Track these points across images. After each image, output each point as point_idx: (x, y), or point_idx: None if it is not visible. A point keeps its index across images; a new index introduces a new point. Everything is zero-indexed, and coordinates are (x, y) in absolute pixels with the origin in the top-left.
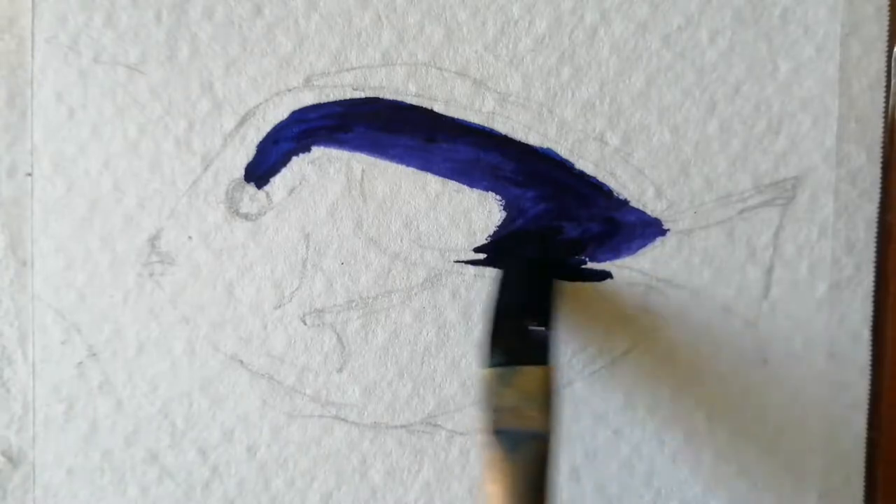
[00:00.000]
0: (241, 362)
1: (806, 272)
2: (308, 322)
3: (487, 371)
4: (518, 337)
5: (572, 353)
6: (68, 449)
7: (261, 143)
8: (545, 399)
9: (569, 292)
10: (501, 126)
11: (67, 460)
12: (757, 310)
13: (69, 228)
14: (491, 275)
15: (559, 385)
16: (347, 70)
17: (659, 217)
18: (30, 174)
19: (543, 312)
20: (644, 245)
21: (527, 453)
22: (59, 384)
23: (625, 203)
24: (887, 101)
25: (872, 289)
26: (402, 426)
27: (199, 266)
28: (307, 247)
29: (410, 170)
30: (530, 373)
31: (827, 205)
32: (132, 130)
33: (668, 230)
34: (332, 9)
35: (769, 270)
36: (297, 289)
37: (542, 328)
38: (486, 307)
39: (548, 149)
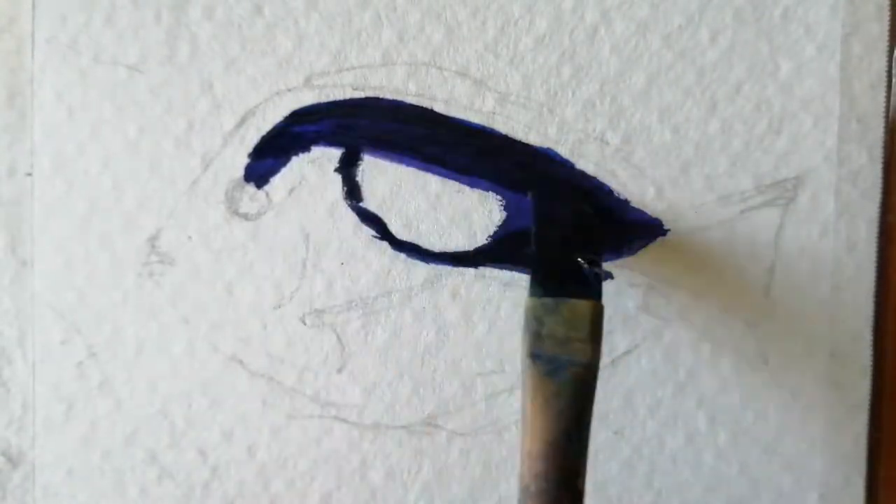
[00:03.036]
0: (241, 362)
1: (807, 272)
2: (308, 322)
3: (534, 300)
4: (569, 271)
5: None
6: (68, 449)
7: (260, 142)
8: (592, 330)
9: None
10: (502, 126)
11: (67, 460)
12: (758, 310)
13: (69, 228)
14: (491, 275)
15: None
16: (347, 70)
17: (659, 217)
18: (29, 174)
19: (593, 250)
20: (644, 245)
21: (568, 378)
22: (58, 384)
23: (625, 203)
24: (888, 101)
25: (873, 289)
26: (402, 427)
27: (198, 266)
28: (307, 247)
29: (410, 170)
30: (579, 305)
31: (828, 205)
32: (132, 130)
33: (669, 230)
34: (332, 8)
35: (770, 270)
36: (296, 289)
37: (594, 266)
38: (535, 235)
39: (548, 149)
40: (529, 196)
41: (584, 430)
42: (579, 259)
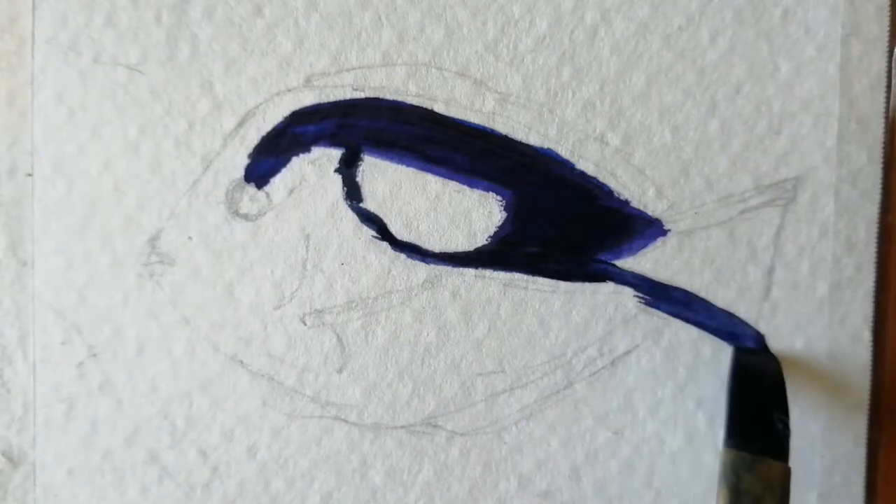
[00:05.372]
0: (242, 363)
1: (807, 272)
2: (308, 322)
3: (732, 452)
4: (765, 428)
5: (572, 353)
6: (69, 449)
7: (261, 143)
8: (783, 495)
9: (570, 292)
10: (502, 126)
11: (68, 460)
12: (758, 310)
13: (69, 229)
14: (491, 275)
15: None
16: (347, 70)
17: (659, 217)
18: (30, 174)
19: (784, 409)
20: (645, 245)
21: None
22: (59, 384)
23: (625, 203)
24: (888, 102)
25: (873, 289)
26: (403, 427)
27: (199, 266)
28: (307, 247)
29: (410, 170)
30: (774, 467)
31: (828, 205)
32: (132, 131)
33: (669, 230)
34: (332, 9)
35: (770, 271)
36: (297, 289)
37: (785, 426)
38: (731, 391)
39: (548, 149)
40: (732, 348)
41: None
42: (774, 416)
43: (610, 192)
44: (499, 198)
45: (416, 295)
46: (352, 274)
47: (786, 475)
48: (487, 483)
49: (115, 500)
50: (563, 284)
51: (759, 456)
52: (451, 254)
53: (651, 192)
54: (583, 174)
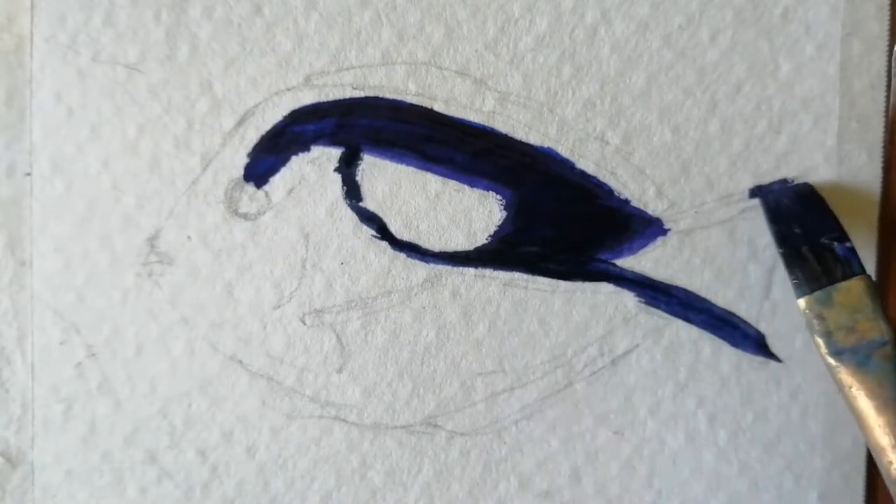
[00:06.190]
0: (241, 363)
1: None
2: (307, 322)
3: (806, 299)
4: (822, 257)
5: (572, 353)
6: (67, 449)
7: (260, 142)
8: (873, 306)
9: (570, 292)
10: (502, 125)
11: (66, 461)
12: (758, 310)
13: (68, 228)
14: (491, 275)
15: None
16: (347, 69)
17: (660, 217)
18: (28, 174)
19: (833, 227)
20: (645, 245)
21: (877, 362)
22: (57, 384)
23: (625, 203)
24: (888, 101)
25: None
26: (402, 427)
27: (198, 266)
28: (306, 247)
29: (410, 169)
30: (848, 287)
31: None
32: (131, 130)
33: (669, 230)
34: (332, 8)
35: (770, 270)
36: (296, 289)
37: (840, 241)
38: (776, 239)
39: (548, 148)
40: (758, 198)
41: None
42: (825, 240)
43: (610, 192)
44: (499, 197)
45: (415, 294)
46: (351, 273)
47: (868, 285)
48: (487, 483)
49: (114, 501)
50: (563, 284)
51: (829, 287)
52: (450, 253)
53: (651, 192)
54: (583, 173)
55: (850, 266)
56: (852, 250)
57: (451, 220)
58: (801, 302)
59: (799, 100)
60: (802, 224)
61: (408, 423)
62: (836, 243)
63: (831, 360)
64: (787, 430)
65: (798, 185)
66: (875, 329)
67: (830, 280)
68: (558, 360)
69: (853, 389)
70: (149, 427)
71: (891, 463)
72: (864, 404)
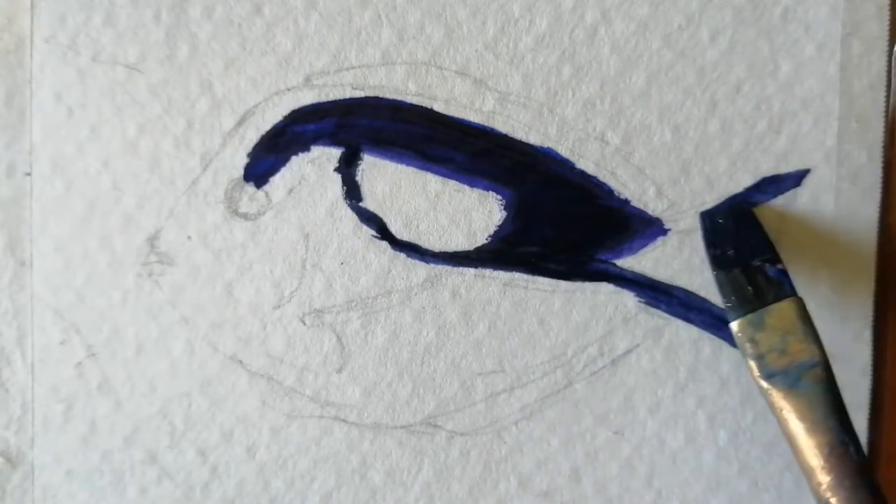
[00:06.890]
0: (241, 363)
1: (807, 272)
2: (307, 322)
3: (738, 322)
4: (753, 279)
5: (572, 353)
6: (67, 449)
7: (260, 142)
8: (804, 328)
9: (570, 292)
10: (502, 125)
11: (66, 461)
12: None
13: (68, 228)
14: (491, 275)
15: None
16: (347, 69)
17: (660, 217)
18: (28, 174)
19: (765, 249)
20: (645, 245)
21: (808, 384)
22: (57, 384)
23: (625, 203)
24: (888, 101)
25: (873, 289)
26: (402, 427)
27: (198, 266)
28: (306, 247)
29: (410, 169)
30: (780, 309)
31: (828, 205)
32: (131, 130)
33: (669, 230)
34: (332, 8)
35: None
36: (296, 289)
37: (772, 263)
38: (710, 261)
39: (548, 148)
40: (698, 216)
41: (849, 425)
42: (757, 262)
43: (610, 192)
44: (499, 197)
45: (415, 294)
46: (351, 273)
47: (799, 307)
48: (487, 483)
49: (114, 501)
50: (563, 284)
51: (760, 310)
52: (450, 253)
53: (651, 192)
54: (583, 173)
55: (781, 288)
56: (784, 272)
57: (451, 220)
58: (734, 325)
59: (799, 100)
60: (736, 246)
61: (408, 423)
62: (767, 265)
63: (763, 383)
64: None
65: (735, 205)
66: (806, 351)
67: (762, 302)
68: (558, 360)
69: (784, 412)
70: (149, 427)
71: (819, 484)
72: (795, 426)
